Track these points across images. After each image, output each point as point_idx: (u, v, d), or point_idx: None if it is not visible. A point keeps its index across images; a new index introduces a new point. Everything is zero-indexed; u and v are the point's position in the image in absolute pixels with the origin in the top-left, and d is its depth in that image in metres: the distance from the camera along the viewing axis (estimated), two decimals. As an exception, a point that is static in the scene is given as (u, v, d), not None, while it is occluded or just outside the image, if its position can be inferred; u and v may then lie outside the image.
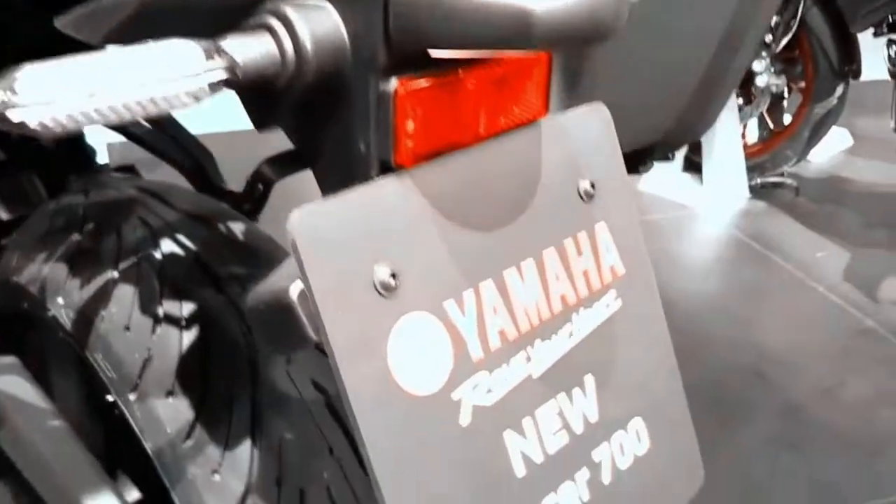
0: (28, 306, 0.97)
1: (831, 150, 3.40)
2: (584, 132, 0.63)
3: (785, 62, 3.03)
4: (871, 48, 2.90)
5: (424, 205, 0.53)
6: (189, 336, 0.85)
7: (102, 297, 0.89)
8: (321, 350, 0.49)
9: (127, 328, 0.86)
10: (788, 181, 3.14)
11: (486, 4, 0.45)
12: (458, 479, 0.53)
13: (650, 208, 2.99)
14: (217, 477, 0.81)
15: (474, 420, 0.55)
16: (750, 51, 1.10)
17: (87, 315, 0.89)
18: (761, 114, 3.12)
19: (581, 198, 0.62)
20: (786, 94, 3.07)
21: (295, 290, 0.48)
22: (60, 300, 0.92)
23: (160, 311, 0.86)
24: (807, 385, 2.13)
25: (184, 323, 0.86)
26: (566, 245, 0.61)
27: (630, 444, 0.65)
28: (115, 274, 0.89)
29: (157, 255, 0.91)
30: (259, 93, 0.50)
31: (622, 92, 0.97)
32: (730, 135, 2.98)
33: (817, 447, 1.93)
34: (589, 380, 0.62)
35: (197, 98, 0.45)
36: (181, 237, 0.95)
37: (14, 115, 0.41)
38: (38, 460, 0.96)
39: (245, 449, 0.82)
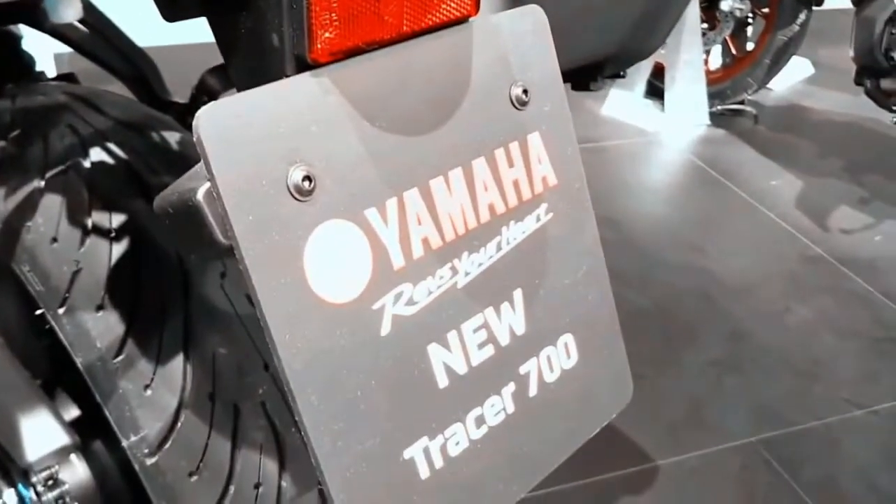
0: (-47, 217, 0.93)
1: (792, 78, 3.40)
2: (517, 36, 0.60)
3: (750, -14, 3.00)
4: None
5: (343, 105, 0.50)
6: (119, 248, 0.83)
7: (28, 207, 0.86)
8: (233, 253, 0.48)
9: (54, 240, 0.83)
10: (748, 109, 3.14)
11: None
12: (377, 388, 0.52)
13: (611, 133, 2.98)
14: (149, 392, 0.80)
15: (395, 330, 0.54)
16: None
17: (12, 226, 0.86)
18: (724, 40, 3.09)
19: (513, 105, 0.60)
20: (750, 20, 3.05)
21: (202, 190, 0.46)
22: (-16, 210, 0.88)
23: (89, 223, 0.84)
24: (752, 309, 2.17)
25: (114, 235, 0.83)
26: (497, 155, 0.59)
27: (558, 358, 0.64)
28: (42, 183, 0.86)
29: (86, 164, 0.88)
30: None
31: (569, 6, 0.94)
32: (693, 60, 2.96)
33: (760, 370, 1.97)
34: (517, 293, 0.61)
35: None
36: (112, 146, 0.91)
37: None
38: (-30, 379, 0.93)
39: (177, 364, 0.80)
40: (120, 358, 0.80)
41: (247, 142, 0.46)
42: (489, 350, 0.60)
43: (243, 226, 0.46)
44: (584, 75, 1.09)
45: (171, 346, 0.81)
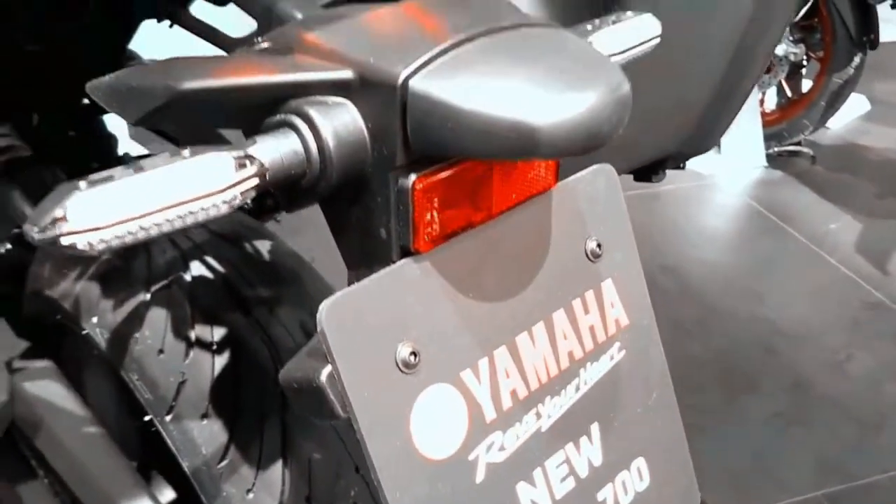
0: (62, 318, 1.02)
1: (848, 116, 3.38)
2: (591, 194, 0.66)
3: (803, 31, 3.01)
4: (889, 9, 2.87)
5: (442, 284, 0.57)
6: (220, 360, 0.90)
7: (135, 319, 0.93)
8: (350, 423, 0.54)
9: (161, 351, 0.90)
10: (805, 150, 3.14)
11: (496, 119, 0.48)
12: (473, 532, 0.58)
13: (666, 178, 2.99)
14: (251, 496, 0.86)
15: (488, 476, 0.60)
16: (761, 64, 1.12)
17: (121, 336, 0.94)
18: (779, 82, 3.11)
19: (588, 258, 0.66)
20: (804, 63, 3.06)
21: (325, 373, 0.53)
22: (94, 319, 0.96)
23: (192, 335, 0.91)
24: (815, 358, 2.18)
25: (215, 347, 0.91)
26: (574, 305, 0.65)
27: (632, 481, 0.70)
28: (147, 296, 0.94)
29: (187, 278, 0.95)
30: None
31: (633, 113, 1.00)
32: (748, 103, 2.97)
33: (823, 421, 1.98)
34: (594, 427, 0.67)
35: (231, 206, 0.49)
36: (209, 258, 0.99)
37: (65, 240, 0.45)
38: (75, 463, 1.01)
39: (276, 469, 0.87)
40: (223, 463, 0.87)
41: (362, 328, 0.53)
42: (570, 482, 0.65)
43: (359, 401, 0.53)
44: (645, 171, 1.15)
45: (271, 452, 0.88)
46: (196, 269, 0.97)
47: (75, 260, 1.03)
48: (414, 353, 0.55)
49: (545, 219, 0.63)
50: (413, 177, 0.53)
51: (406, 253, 0.56)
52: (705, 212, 2.87)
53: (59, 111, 1.43)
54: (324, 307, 0.52)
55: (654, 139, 1.06)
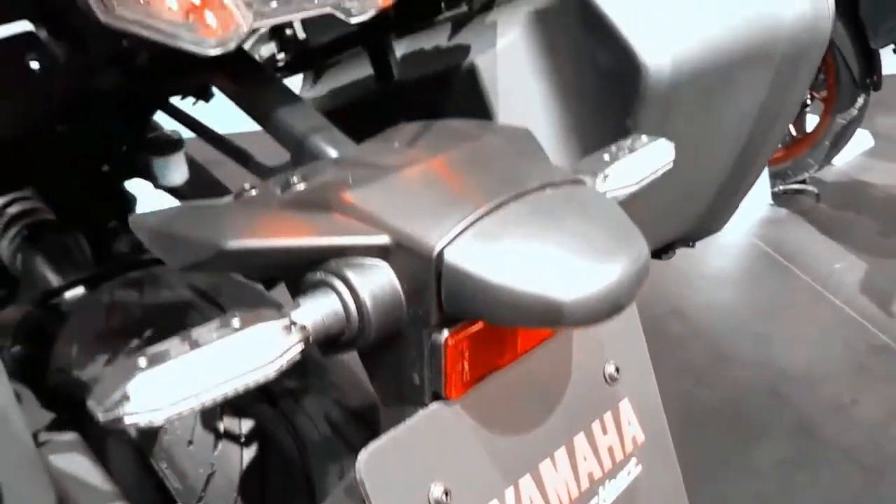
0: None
1: (852, 152, 3.41)
2: (609, 322, 0.70)
3: (806, 70, 3.04)
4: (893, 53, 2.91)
5: (471, 424, 0.60)
6: (248, 453, 0.94)
7: (166, 409, 0.97)
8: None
9: (190, 442, 0.94)
10: (809, 188, 3.18)
11: (524, 294, 0.52)
12: None
13: (671, 214, 3.03)
14: (278, 585, 0.90)
15: None
16: (770, 150, 1.15)
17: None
18: (783, 120, 3.14)
19: (606, 381, 0.69)
20: (808, 102, 3.09)
21: (364, 521, 0.56)
22: (125, 407, 0.99)
23: (221, 427, 0.94)
24: (820, 403, 2.20)
25: (243, 440, 0.94)
26: (594, 428, 0.68)
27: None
28: (177, 387, 0.97)
29: (215, 369, 0.99)
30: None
31: (645, 201, 1.03)
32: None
33: (829, 467, 2.00)
34: (614, 542, 0.70)
35: (278, 372, 0.53)
36: (235, 348, 1.02)
37: (128, 419, 0.49)
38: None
39: (303, 561, 0.90)
40: (252, 554, 0.90)
41: (398, 473, 0.57)
42: None
43: (395, 546, 0.56)
44: (656, 251, 1.18)
45: (298, 544, 0.91)
46: (223, 359, 1.00)
47: (104, 343, 1.06)
48: (446, 492, 0.59)
49: (566, 351, 0.66)
50: (446, 333, 0.57)
51: (437, 397, 0.59)
52: (710, 251, 2.90)
53: (81, 176, 1.46)
54: (362, 458, 0.55)
55: (663, 229, 1.10)
